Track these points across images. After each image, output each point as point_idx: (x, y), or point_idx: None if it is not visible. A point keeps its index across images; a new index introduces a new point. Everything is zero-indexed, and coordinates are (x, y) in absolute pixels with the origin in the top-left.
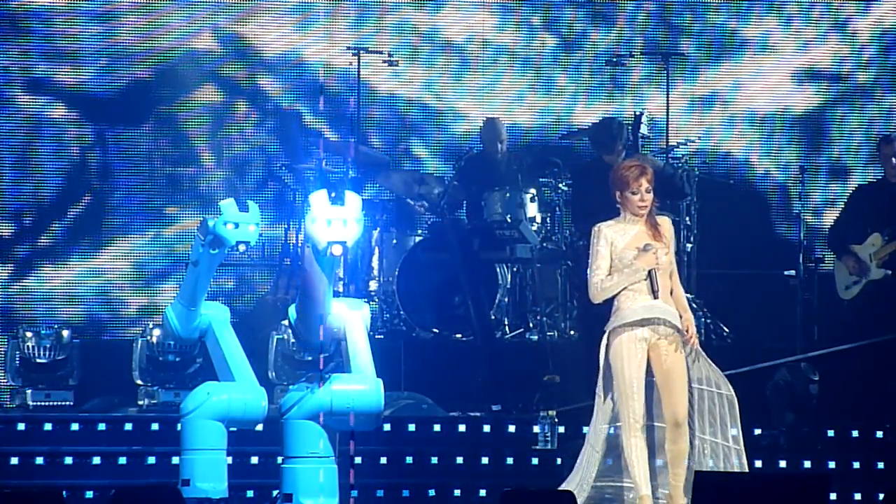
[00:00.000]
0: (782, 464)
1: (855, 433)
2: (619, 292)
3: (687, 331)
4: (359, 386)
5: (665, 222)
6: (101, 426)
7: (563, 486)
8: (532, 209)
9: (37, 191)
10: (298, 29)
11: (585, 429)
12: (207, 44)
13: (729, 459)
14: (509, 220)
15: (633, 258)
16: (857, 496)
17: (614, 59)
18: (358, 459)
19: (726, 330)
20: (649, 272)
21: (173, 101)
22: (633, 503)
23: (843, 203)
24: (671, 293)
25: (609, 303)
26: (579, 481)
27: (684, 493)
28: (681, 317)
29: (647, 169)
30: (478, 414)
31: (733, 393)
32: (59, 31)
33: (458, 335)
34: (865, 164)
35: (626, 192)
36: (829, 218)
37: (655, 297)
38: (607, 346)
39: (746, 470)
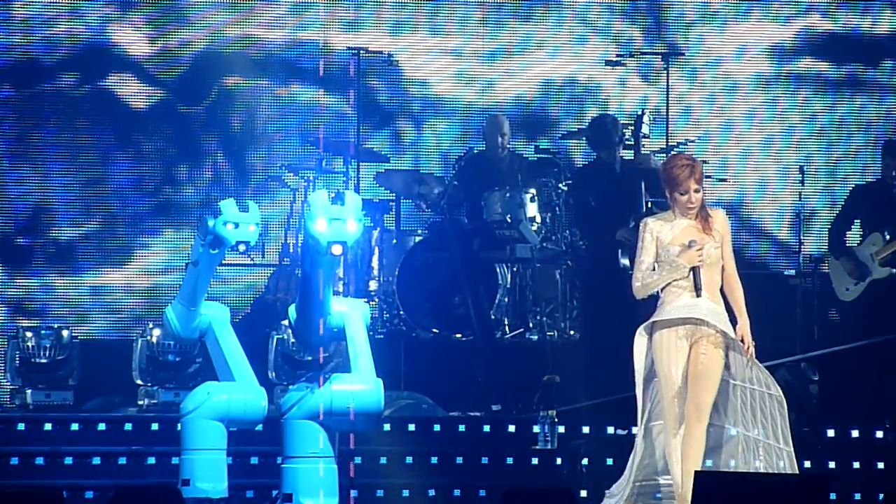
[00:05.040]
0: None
1: (855, 433)
2: (665, 287)
3: (742, 340)
4: (359, 386)
5: (718, 215)
6: (101, 426)
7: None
8: (532, 209)
9: (37, 190)
10: (298, 28)
11: (585, 429)
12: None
13: (781, 459)
14: (509, 220)
15: (677, 254)
16: (857, 496)
17: (614, 59)
18: (358, 459)
19: None
20: (692, 269)
21: (173, 101)
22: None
23: (842, 203)
24: (722, 289)
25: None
26: (626, 481)
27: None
28: (736, 323)
29: (696, 167)
30: (478, 414)
31: (782, 394)
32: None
33: (458, 335)
34: (865, 164)
35: (675, 191)
36: (829, 218)
37: (698, 296)
38: (649, 340)
39: (797, 471)
